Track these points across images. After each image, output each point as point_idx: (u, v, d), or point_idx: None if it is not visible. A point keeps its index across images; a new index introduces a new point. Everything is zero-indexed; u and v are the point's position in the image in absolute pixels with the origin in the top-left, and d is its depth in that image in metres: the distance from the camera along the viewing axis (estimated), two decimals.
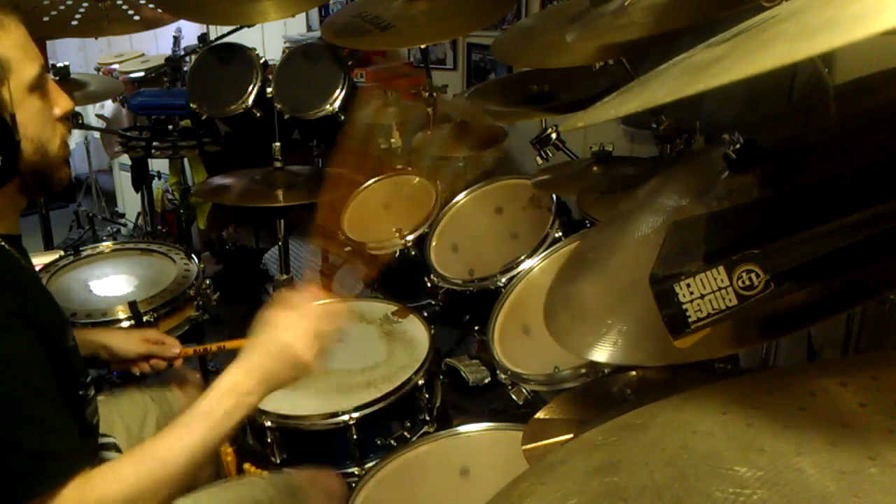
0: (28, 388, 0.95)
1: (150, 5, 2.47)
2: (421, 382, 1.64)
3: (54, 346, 1.03)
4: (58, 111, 1.09)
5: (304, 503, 1.36)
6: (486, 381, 2.26)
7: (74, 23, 2.38)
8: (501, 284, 1.81)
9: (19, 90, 1.01)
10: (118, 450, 1.36)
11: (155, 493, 0.98)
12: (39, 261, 2.00)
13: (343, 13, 2.57)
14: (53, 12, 2.37)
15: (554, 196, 1.95)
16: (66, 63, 2.69)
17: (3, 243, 1.07)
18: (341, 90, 2.39)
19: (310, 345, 1.12)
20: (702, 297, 0.66)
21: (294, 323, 1.13)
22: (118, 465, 1.02)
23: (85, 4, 2.40)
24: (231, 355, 1.64)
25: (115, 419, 1.44)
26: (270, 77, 2.48)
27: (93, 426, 1.22)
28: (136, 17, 2.47)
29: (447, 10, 2.08)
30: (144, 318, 1.76)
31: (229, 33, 2.65)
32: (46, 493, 0.91)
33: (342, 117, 2.38)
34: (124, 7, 2.47)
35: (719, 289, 0.66)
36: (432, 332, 1.80)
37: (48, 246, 3.04)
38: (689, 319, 0.67)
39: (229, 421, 1.05)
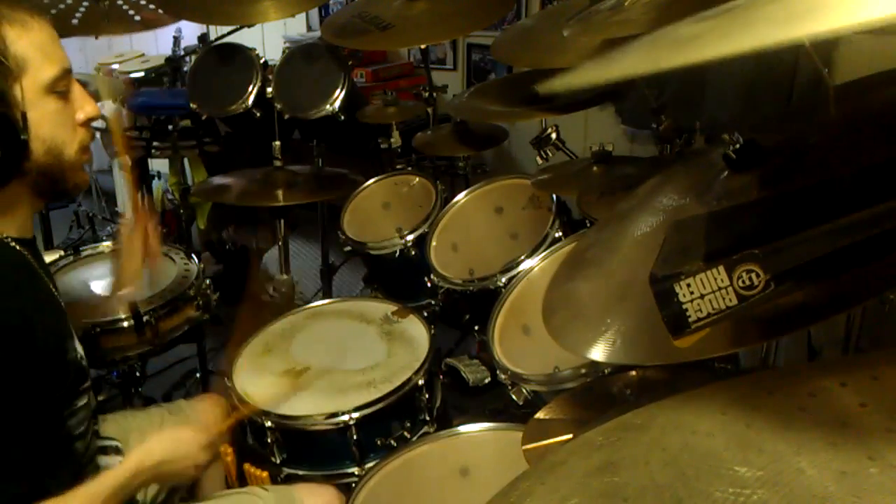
0: None
1: (151, 6, 2.47)
2: (421, 382, 1.64)
3: (42, 356, 1.03)
4: (81, 116, 1.10)
5: None
6: (486, 381, 2.26)
7: (75, 21, 2.38)
8: (501, 284, 1.81)
9: (34, 90, 1.02)
10: (118, 452, 1.36)
11: None
12: None
13: (343, 13, 2.57)
14: (53, 11, 2.37)
15: (554, 196, 1.95)
16: None
17: (14, 245, 1.07)
18: (341, 90, 2.39)
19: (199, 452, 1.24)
20: (702, 296, 0.67)
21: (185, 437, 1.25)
22: None
23: (85, 4, 2.40)
24: None
25: (130, 427, 1.45)
26: (270, 77, 2.48)
27: (76, 434, 1.19)
28: (137, 18, 2.47)
29: (447, 10, 2.08)
30: (144, 318, 1.76)
31: (229, 33, 2.64)
32: None
33: (342, 117, 2.39)
34: (125, 7, 2.47)
35: (719, 289, 0.66)
36: (432, 332, 1.80)
37: (48, 246, 3.05)
38: (689, 319, 0.67)
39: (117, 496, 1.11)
